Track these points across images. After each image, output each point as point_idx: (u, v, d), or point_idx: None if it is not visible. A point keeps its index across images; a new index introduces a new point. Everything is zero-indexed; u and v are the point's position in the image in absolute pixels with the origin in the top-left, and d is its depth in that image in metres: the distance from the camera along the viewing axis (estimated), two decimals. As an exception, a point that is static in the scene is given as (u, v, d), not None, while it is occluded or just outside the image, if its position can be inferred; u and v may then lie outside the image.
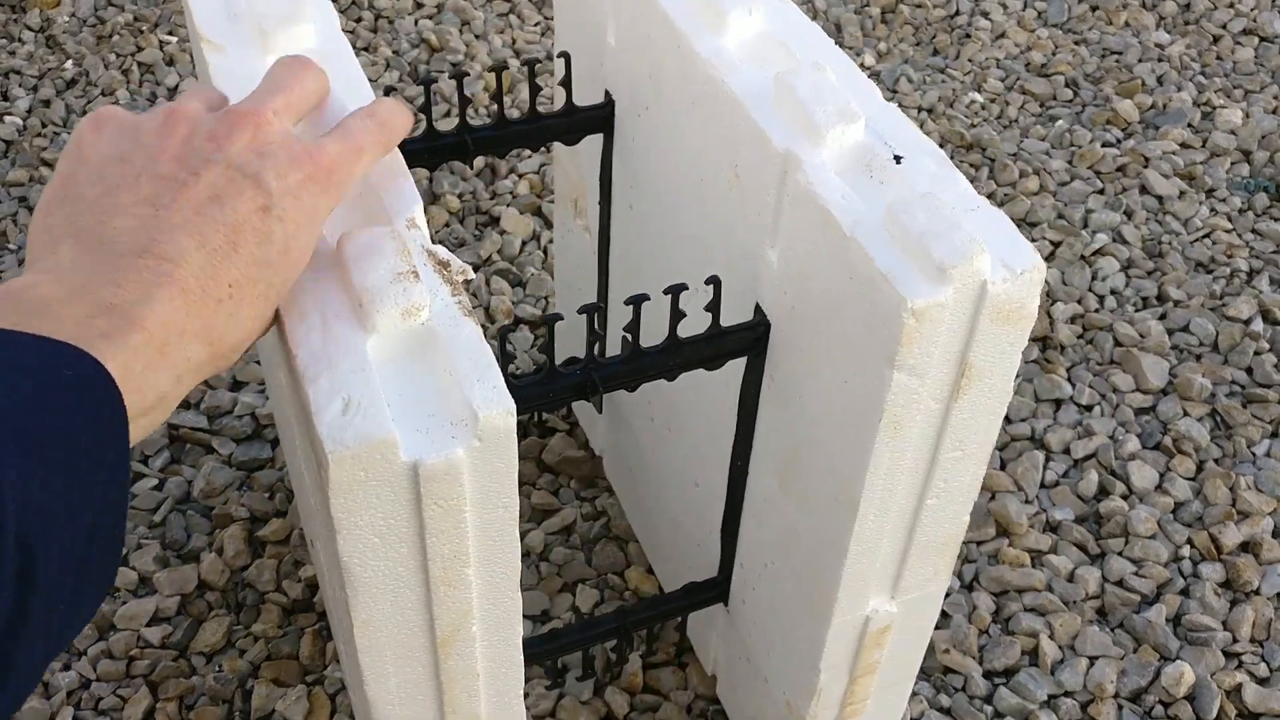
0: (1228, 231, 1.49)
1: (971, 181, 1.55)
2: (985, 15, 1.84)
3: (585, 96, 0.91)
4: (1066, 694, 1.05)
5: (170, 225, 0.50)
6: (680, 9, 0.76)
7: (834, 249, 0.63)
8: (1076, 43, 1.80)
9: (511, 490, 0.58)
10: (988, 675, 1.06)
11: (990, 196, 1.52)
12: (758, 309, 0.73)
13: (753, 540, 0.85)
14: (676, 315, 0.70)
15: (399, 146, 0.64)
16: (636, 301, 0.67)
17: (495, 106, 0.84)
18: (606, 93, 0.89)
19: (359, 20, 1.77)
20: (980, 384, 0.65)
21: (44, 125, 1.57)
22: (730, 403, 0.80)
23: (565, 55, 0.89)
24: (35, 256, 0.51)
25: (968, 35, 1.80)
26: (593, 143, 0.93)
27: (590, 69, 0.90)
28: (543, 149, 1.54)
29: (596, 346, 0.71)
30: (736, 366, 0.77)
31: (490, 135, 0.85)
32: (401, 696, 0.65)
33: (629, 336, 0.70)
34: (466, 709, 0.67)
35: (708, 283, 0.70)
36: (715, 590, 0.92)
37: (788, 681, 0.85)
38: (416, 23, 1.77)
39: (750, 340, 0.74)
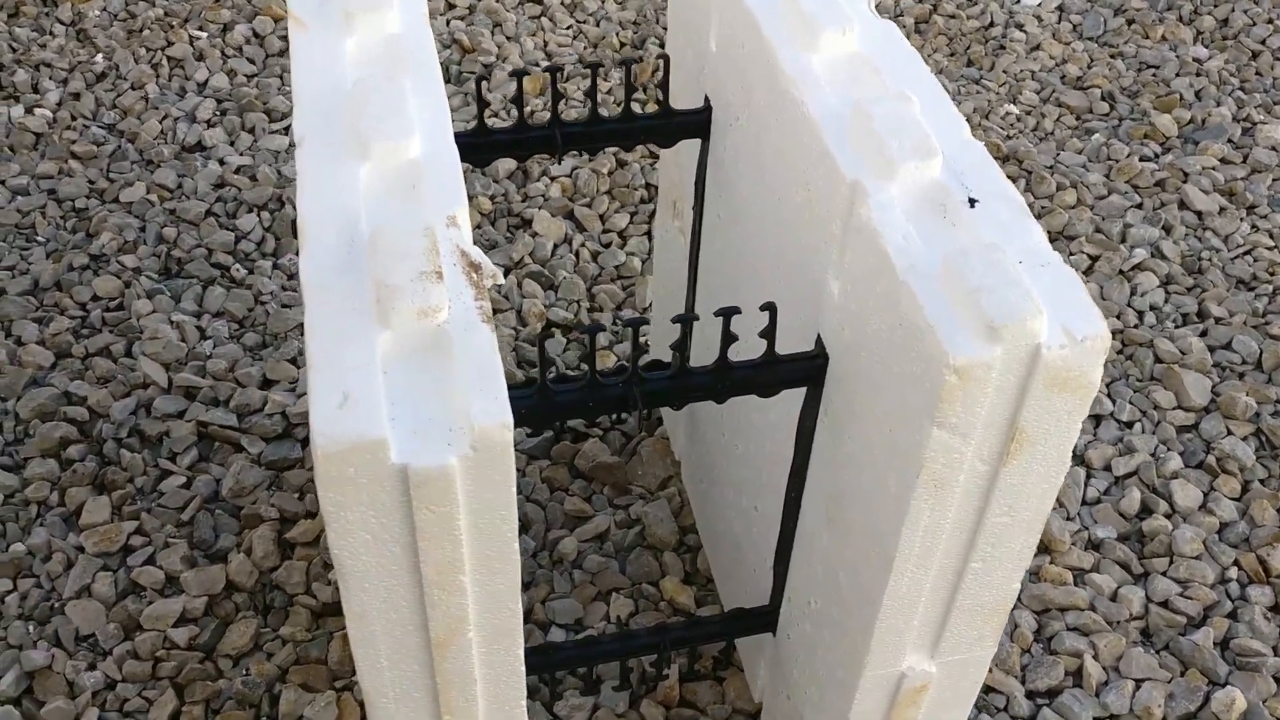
0: (1270, 249, 1.47)
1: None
2: (1020, 27, 1.82)
3: (687, 100, 0.89)
4: (1112, 717, 1.03)
5: None
6: (774, 20, 0.73)
7: (887, 291, 0.61)
8: (1113, 56, 1.78)
9: (509, 502, 0.57)
10: (1030, 695, 1.04)
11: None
12: (819, 340, 0.71)
13: (801, 575, 0.83)
14: (728, 338, 0.67)
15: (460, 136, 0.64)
16: (685, 320, 0.65)
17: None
18: (706, 98, 0.87)
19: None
20: (1033, 450, 0.61)
21: (74, 118, 1.56)
22: (791, 430, 0.78)
23: (665, 57, 0.87)
24: None
25: (1002, 47, 1.79)
26: (692, 146, 0.91)
27: (694, 72, 0.89)
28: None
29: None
30: (799, 393, 0.75)
31: (581, 131, 0.84)
32: (397, 693, 0.65)
33: (677, 354, 0.68)
34: (464, 713, 0.67)
35: (763, 309, 0.68)
36: (764, 619, 0.90)
37: None
38: (449, 23, 1.75)
39: (806, 372, 0.71)
